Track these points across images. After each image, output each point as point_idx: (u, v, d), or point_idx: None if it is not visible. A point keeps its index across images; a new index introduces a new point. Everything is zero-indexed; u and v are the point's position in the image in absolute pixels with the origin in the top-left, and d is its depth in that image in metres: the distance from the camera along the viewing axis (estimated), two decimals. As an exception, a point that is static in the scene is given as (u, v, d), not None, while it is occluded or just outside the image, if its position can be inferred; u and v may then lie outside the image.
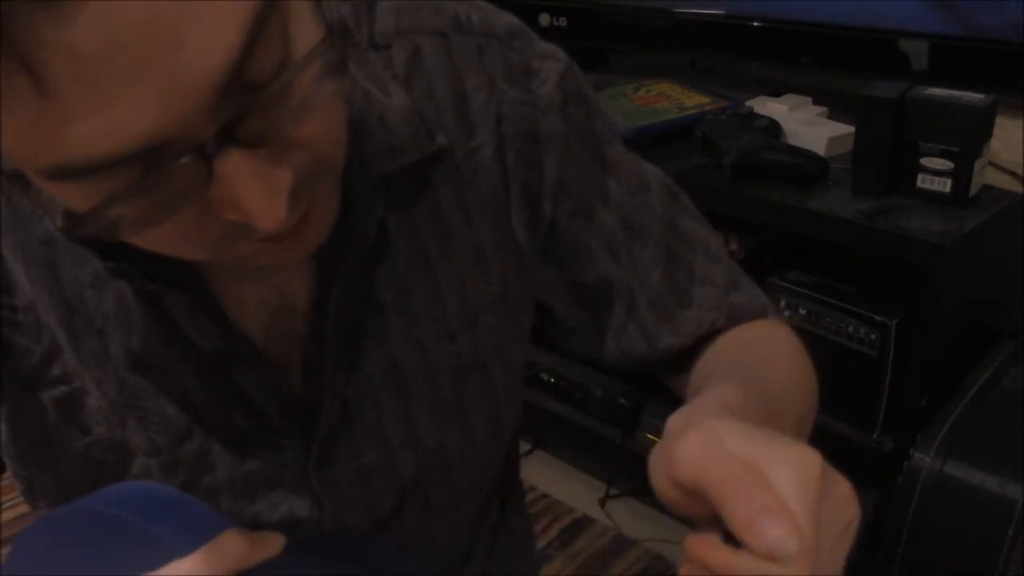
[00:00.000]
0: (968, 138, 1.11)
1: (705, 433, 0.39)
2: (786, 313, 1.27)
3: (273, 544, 0.51)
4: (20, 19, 0.30)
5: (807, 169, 1.24)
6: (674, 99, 1.46)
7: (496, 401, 0.64)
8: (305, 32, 0.39)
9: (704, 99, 1.45)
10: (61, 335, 0.53)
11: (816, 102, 1.39)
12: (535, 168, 0.59)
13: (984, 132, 1.14)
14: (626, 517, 1.72)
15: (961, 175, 1.12)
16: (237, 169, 0.38)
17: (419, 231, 0.57)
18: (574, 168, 0.60)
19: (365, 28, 0.55)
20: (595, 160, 0.61)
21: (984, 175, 1.18)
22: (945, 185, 1.14)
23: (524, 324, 0.64)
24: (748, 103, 1.39)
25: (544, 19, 1.58)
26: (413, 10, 0.57)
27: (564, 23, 1.57)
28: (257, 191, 0.39)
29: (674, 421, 0.45)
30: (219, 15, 0.34)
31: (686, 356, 0.65)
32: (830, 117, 1.36)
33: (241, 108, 0.37)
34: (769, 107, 1.37)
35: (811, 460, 0.38)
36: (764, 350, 0.62)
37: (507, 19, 0.59)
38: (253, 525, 0.57)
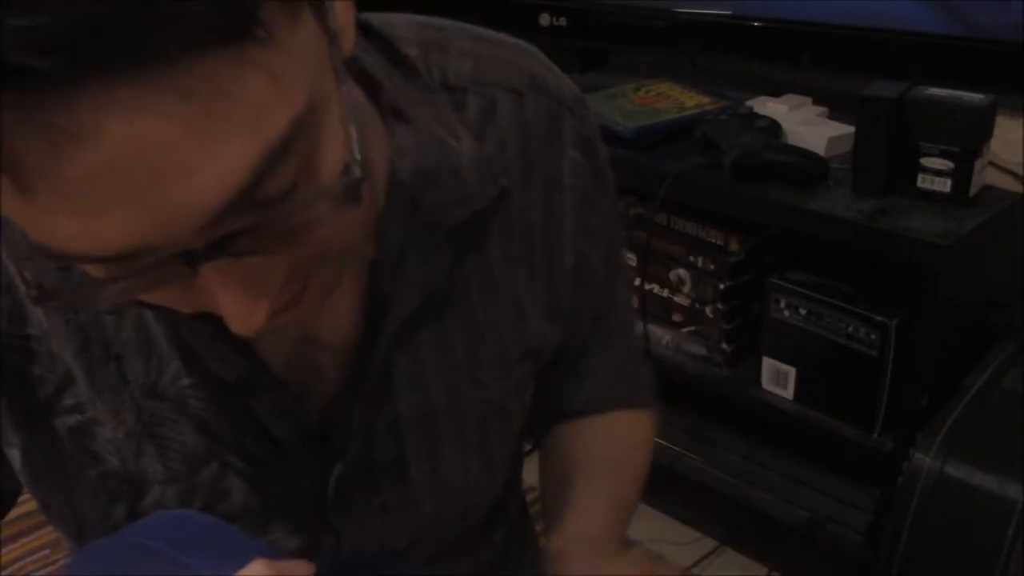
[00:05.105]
0: (968, 138, 1.11)
1: None
2: (786, 313, 1.27)
3: (303, 572, 0.51)
4: (16, 136, 0.30)
5: (807, 169, 1.24)
6: (674, 99, 1.46)
7: (514, 438, 0.66)
8: (332, 157, 0.37)
9: (704, 99, 1.45)
10: (77, 364, 0.52)
11: (816, 102, 1.39)
12: (580, 231, 0.62)
13: (984, 132, 1.13)
14: (626, 517, 1.72)
15: (961, 175, 1.12)
16: (220, 277, 0.36)
17: (469, 281, 0.57)
18: (600, 241, 0.64)
19: (436, 68, 0.55)
20: (614, 238, 0.66)
21: (984, 175, 1.18)
22: (945, 185, 1.14)
23: (542, 365, 0.66)
24: (748, 103, 1.39)
25: (544, 19, 1.58)
26: (490, 62, 0.57)
27: (564, 23, 1.57)
28: (237, 301, 0.37)
29: (557, 543, 0.65)
30: (233, 152, 0.33)
31: (560, 418, 0.73)
32: (830, 117, 1.36)
33: (239, 226, 0.35)
34: (769, 107, 1.37)
35: None
36: (628, 444, 0.73)
37: (570, 84, 0.62)
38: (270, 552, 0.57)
